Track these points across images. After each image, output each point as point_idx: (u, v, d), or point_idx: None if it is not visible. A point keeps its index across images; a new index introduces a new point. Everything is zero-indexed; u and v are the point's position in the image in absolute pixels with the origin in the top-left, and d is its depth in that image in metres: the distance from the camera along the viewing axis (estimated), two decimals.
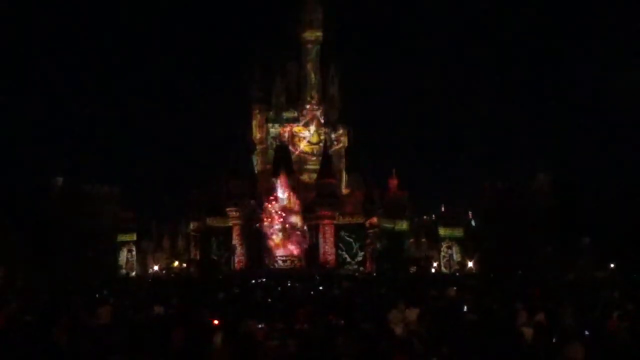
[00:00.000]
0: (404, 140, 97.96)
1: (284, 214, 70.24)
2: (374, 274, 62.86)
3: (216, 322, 15.63)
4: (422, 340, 13.73)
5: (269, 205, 70.25)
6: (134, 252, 70.58)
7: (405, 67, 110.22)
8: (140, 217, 71.19)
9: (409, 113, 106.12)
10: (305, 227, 69.82)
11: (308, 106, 78.69)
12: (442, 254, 72.53)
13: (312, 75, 79.14)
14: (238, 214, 70.51)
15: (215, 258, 69.91)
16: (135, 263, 70.72)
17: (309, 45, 79.20)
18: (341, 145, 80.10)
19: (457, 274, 65.44)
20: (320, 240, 70.24)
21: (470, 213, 74.89)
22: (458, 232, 72.41)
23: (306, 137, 78.64)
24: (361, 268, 68.85)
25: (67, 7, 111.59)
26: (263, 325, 14.91)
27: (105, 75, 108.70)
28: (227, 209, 70.33)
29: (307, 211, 70.16)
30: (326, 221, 70.37)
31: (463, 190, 76.87)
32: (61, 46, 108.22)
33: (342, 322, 16.51)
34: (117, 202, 70.04)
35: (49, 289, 32.16)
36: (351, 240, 70.74)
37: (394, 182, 75.53)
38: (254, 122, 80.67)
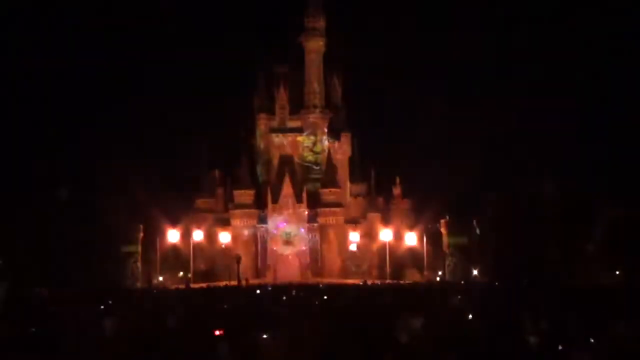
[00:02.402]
0: (408, 148, 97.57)
1: (288, 223, 70.35)
2: (379, 283, 62.78)
3: (221, 332, 15.62)
4: (427, 349, 13.70)
5: (274, 215, 70.37)
6: (138, 263, 70.53)
7: (408, 74, 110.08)
8: (145, 227, 71.10)
9: (413, 121, 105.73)
10: (309, 236, 69.86)
11: (312, 115, 78.81)
12: (447, 262, 72.40)
13: (316, 84, 79.25)
14: (243, 223, 70.56)
15: (220, 268, 69.88)
16: (140, 274, 70.65)
17: (312, 54, 79.34)
18: (345, 154, 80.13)
19: (462, 282, 65.28)
20: (325, 249, 70.30)
21: (474, 221, 74.79)
22: (462, 241, 72.29)
23: (310, 146, 78.72)
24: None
25: (68, 14, 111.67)
26: (268, 335, 14.90)
27: (108, 82, 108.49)
28: (232, 219, 70.38)
29: (312, 220, 70.23)
30: (331, 230, 70.41)
31: (467, 199, 76.42)
32: (64, 52, 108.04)
33: (347, 330, 16.49)
34: (122, 212, 69.95)
35: (53, 300, 32.14)
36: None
37: (397, 191, 75.52)
38: (258, 132, 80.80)
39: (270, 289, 46.57)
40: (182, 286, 55.27)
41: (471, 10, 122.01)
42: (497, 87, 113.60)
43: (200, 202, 75.05)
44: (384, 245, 71.03)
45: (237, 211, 71.52)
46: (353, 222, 71.96)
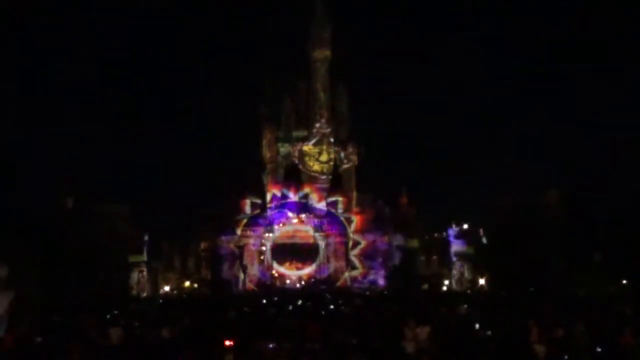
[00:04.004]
0: (414, 158, 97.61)
1: (294, 234, 70.44)
2: (385, 292, 62.68)
3: (228, 342, 15.61)
4: (433, 358, 13.69)
5: (280, 224, 70.43)
6: (144, 273, 70.43)
7: (414, 84, 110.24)
8: (150, 236, 71.07)
9: (418, 130, 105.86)
10: (316, 245, 69.89)
11: (317, 125, 78.85)
12: (453, 271, 72.18)
13: (322, 94, 79.28)
14: (249, 233, 70.60)
15: (226, 278, 69.78)
16: (146, 283, 70.54)
17: (318, 64, 79.40)
18: (351, 163, 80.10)
19: (469, 291, 65.12)
20: (332, 259, 70.26)
21: (481, 230, 74.60)
22: (469, 250, 72.06)
23: (316, 155, 78.74)
24: (372, 286, 68.68)
25: (76, 26, 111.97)
26: (273, 345, 14.89)
27: (114, 93, 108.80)
28: (238, 228, 70.40)
29: (318, 229, 70.26)
30: (337, 239, 70.39)
31: (474, 207, 76.26)
32: (69, 63, 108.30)
33: (354, 340, 16.46)
34: (127, 221, 69.86)
35: (59, 309, 32.14)
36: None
37: (404, 200, 75.45)
38: (264, 141, 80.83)
39: (276, 298, 46.55)
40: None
41: (476, 17, 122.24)
42: (498, 92, 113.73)
43: (205, 211, 74.93)
44: (390, 254, 70.97)
45: (244, 220, 71.52)
46: (359, 231, 71.84)
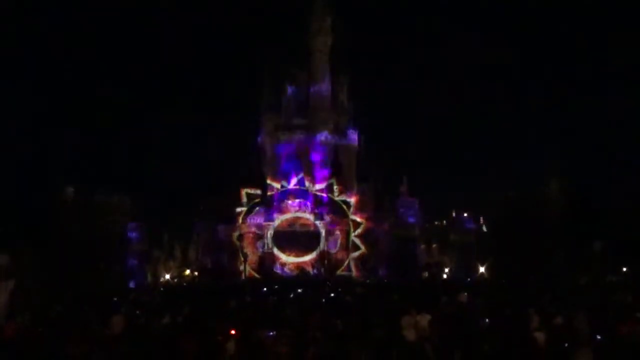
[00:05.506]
0: (414, 146, 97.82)
1: (294, 221, 70.41)
2: (386, 280, 62.73)
3: (229, 330, 15.63)
4: (434, 346, 13.71)
5: (280, 213, 70.41)
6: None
7: (415, 73, 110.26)
8: (151, 226, 71.11)
9: (419, 119, 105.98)
10: (316, 233, 69.85)
11: (318, 113, 78.71)
12: (454, 259, 72.29)
13: (322, 82, 79.07)
14: (249, 221, 70.62)
15: (226, 266, 69.83)
16: (147, 272, 70.60)
17: (318, 53, 79.17)
18: (351, 152, 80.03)
19: (469, 279, 65.22)
20: (332, 247, 70.23)
21: (481, 219, 74.67)
22: (469, 238, 72.15)
23: (316, 144, 78.64)
24: (373, 275, 68.68)
25: (77, 18, 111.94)
26: (274, 333, 14.89)
27: (114, 85, 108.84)
28: (238, 217, 70.41)
29: (318, 217, 70.25)
30: (337, 225, 70.38)
31: (474, 196, 76.34)
32: (70, 53, 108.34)
33: (355, 328, 16.48)
34: (128, 211, 69.83)
35: (60, 299, 32.17)
36: (363, 246, 70.60)
37: (404, 189, 75.42)
38: (264, 130, 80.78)
39: (276, 286, 46.58)
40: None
41: (480, 10, 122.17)
42: (498, 86, 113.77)
43: (206, 200, 74.95)
44: (391, 243, 71.00)
45: (244, 209, 71.47)
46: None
